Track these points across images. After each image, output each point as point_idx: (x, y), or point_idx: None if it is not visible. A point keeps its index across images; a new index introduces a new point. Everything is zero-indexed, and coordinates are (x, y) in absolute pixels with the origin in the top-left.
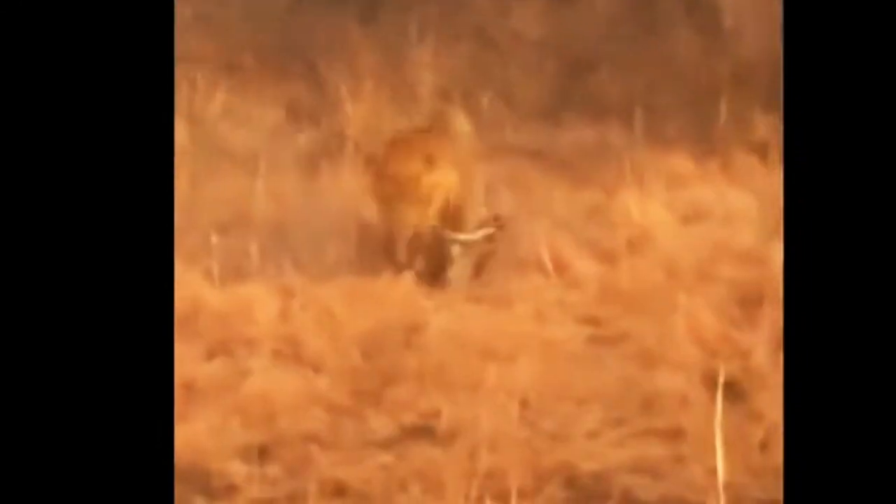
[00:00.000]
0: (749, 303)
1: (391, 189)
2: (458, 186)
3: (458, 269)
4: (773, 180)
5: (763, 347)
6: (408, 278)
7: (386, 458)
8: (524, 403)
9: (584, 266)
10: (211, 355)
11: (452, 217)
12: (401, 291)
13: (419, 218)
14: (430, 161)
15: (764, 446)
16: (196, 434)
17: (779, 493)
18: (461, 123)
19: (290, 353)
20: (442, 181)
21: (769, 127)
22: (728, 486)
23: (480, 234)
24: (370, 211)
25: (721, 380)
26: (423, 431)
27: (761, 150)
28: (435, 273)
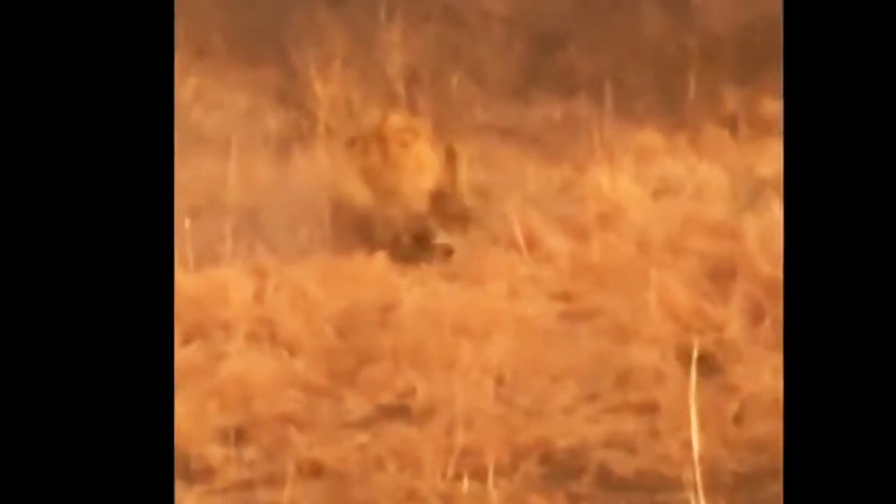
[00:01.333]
0: (721, 276)
1: (379, 162)
2: (444, 162)
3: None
4: (742, 153)
5: (736, 320)
6: (381, 257)
7: (363, 437)
8: (499, 380)
9: (556, 242)
10: (187, 339)
11: (440, 197)
12: (374, 271)
13: (412, 191)
14: (416, 134)
15: (738, 419)
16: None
17: (754, 465)
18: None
19: (266, 334)
20: (430, 154)
21: (738, 100)
22: (703, 459)
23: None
24: (346, 190)
25: (695, 353)
26: (399, 410)
27: (731, 124)
28: (410, 256)
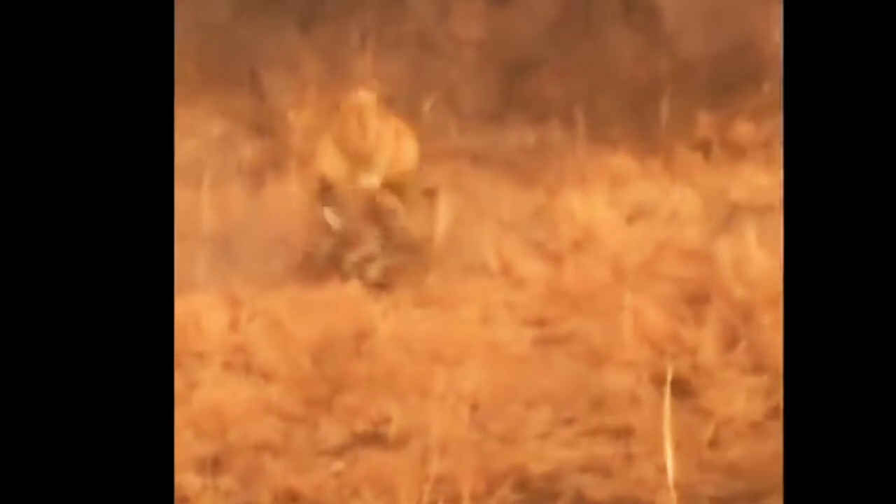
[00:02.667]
0: (695, 300)
1: (355, 139)
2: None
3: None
4: (716, 177)
5: (710, 344)
6: (355, 285)
7: (338, 465)
8: (474, 407)
9: (530, 267)
10: None
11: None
12: (348, 298)
13: (366, 168)
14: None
15: (713, 443)
16: None
17: (729, 490)
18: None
19: (240, 363)
20: (389, 133)
21: (711, 124)
22: (678, 484)
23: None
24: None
25: (669, 377)
26: (374, 438)
27: (704, 148)
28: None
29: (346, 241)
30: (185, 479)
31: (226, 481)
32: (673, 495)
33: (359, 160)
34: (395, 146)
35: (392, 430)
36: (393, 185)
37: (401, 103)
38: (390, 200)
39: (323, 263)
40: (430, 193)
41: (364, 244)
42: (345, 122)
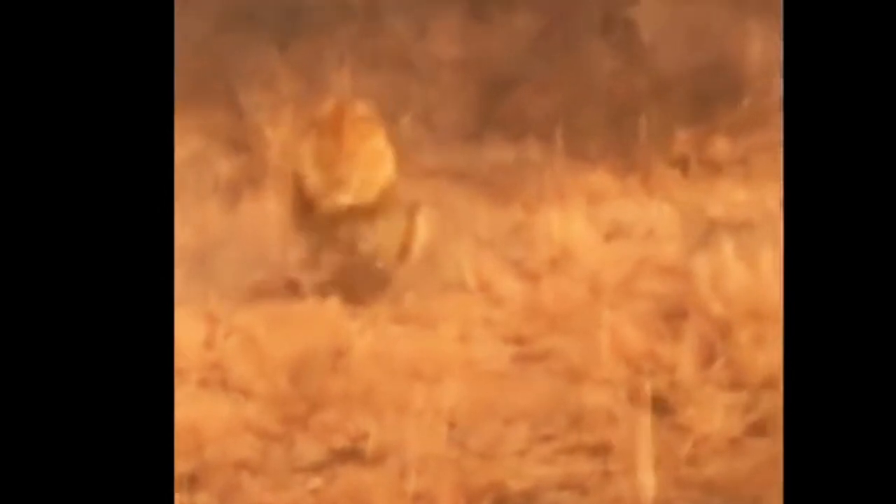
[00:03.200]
0: (673, 317)
1: (334, 150)
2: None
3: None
4: (694, 194)
5: (688, 361)
6: (332, 302)
7: (316, 481)
8: (452, 424)
9: (508, 284)
10: None
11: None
12: (325, 315)
13: (361, 183)
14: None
15: (691, 460)
16: None
17: None
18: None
19: (217, 380)
20: (366, 149)
21: (689, 141)
22: (656, 501)
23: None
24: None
25: (647, 395)
26: (351, 454)
27: (682, 164)
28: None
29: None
30: None
31: (203, 499)
32: None
33: (334, 176)
34: (372, 163)
35: (370, 447)
36: (369, 204)
37: (379, 121)
38: (362, 225)
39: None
40: (409, 211)
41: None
42: (322, 135)
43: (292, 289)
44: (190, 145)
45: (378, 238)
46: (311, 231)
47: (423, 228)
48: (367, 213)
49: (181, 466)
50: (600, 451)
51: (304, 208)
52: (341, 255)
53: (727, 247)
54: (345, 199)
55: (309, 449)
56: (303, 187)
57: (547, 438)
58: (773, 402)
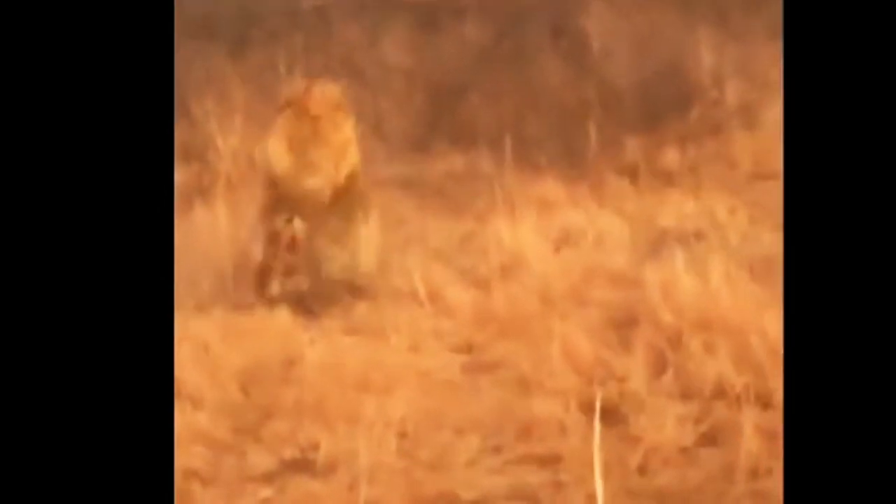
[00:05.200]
0: (623, 326)
1: (307, 132)
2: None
3: None
4: (644, 203)
5: (638, 370)
6: (283, 312)
7: (267, 492)
8: (402, 434)
9: (458, 294)
10: None
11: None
12: (276, 325)
13: (335, 169)
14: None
15: (642, 469)
16: None
17: None
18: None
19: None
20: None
21: (639, 151)
22: None
23: None
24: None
25: (598, 404)
26: (302, 464)
27: (631, 173)
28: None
29: (271, 269)
30: None
31: None
32: None
33: (306, 160)
34: (342, 149)
35: (320, 458)
36: (336, 194)
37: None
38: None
39: (248, 292)
40: (365, 209)
41: (291, 275)
42: (296, 118)
43: (245, 298)
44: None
45: (343, 256)
46: (272, 237)
47: (373, 240)
48: (329, 206)
49: None
50: (551, 461)
51: (272, 206)
52: (305, 276)
53: (677, 256)
54: (314, 182)
55: (260, 459)
56: (273, 178)
57: (497, 449)
58: (724, 412)
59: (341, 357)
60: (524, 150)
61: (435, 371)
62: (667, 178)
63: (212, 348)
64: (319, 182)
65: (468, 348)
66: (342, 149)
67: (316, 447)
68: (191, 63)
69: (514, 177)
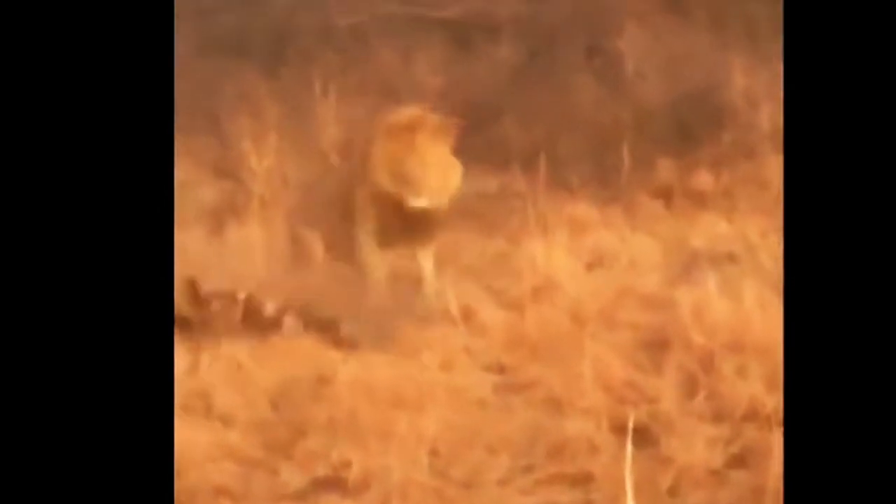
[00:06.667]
0: (655, 347)
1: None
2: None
3: None
4: (676, 225)
5: (670, 392)
6: (316, 330)
7: None
8: (434, 452)
9: (491, 314)
10: None
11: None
12: (309, 343)
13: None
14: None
15: (672, 491)
16: None
17: None
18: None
19: (200, 407)
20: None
21: (672, 173)
22: None
23: None
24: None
25: (630, 425)
26: (334, 482)
27: (664, 195)
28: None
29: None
30: None
31: None
32: None
33: (406, 181)
34: (444, 170)
35: (352, 475)
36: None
37: (363, 150)
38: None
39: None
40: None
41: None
42: (394, 140)
43: (277, 317)
44: (176, 173)
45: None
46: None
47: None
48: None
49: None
50: (581, 480)
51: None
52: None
53: (710, 279)
54: (420, 202)
55: (292, 476)
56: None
57: (528, 468)
58: (755, 435)
59: (373, 375)
60: (557, 171)
61: (467, 390)
62: (700, 201)
63: (244, 366)
64: (424, 202)
65: (500, 368)
66: (445, 169)
67: (348, 465)
68: (224, 81)
69: (547, 197)
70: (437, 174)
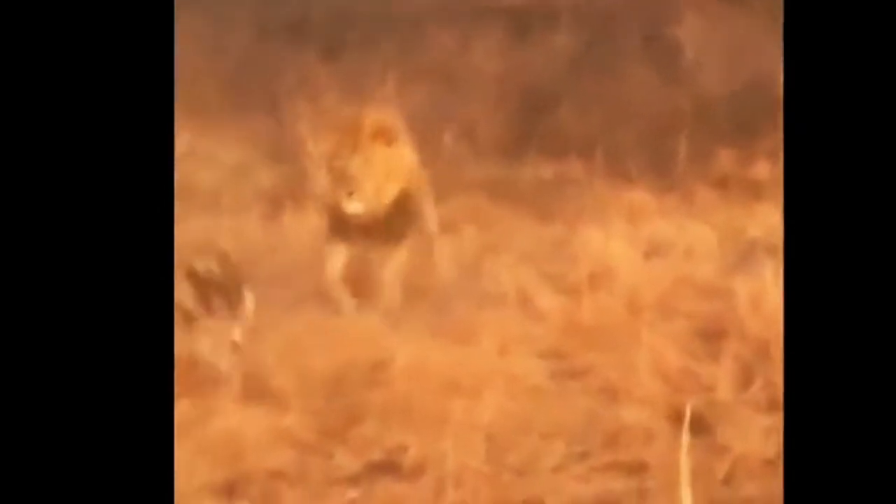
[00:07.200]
0: (711, 337)
1: (344, 151)
2: (417, 174)
3: None
4: (734, 214)
5: (726, 381)
6: (372, 314)
7: (353, 493)
8: (489, 438)
9: (547, 300)
10: (177, 395)
11: (406, 210)
12: (365, 327)
13: (374, 192)
14: (389, 138)
15: (728, 480)
16: None
17: None
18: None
19: (256, 390)
20: (401, 161)
21: (730, 162)
22: None
23: None
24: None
25: (687, 414)
26: (389, 467)
27: (721, 185)
28: None
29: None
30: None
31: None
32: None
33: (345, 183)
34: (382, 176)
35: (407, 460)
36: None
37: (420, 135)
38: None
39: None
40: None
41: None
42: (340, 142)
43: (333, 301)
44: (232, 156)
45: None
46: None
47: (463, 245)
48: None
49: (219, 476)
50: (636, 469)
51: (338, 219)
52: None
53: (766, 268)
54: (355, 207)
55: (347, 461)
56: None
57: (584, 455)
58: None
59: (429, 359)
60: (614, 159)
61: (523, 376)
62: (756, 190)
63: (300, 350)
64: (360, 208)
65: (556, 354)
66: (387, 173)
67: (403, 450)
68: (283, 66)
69: (605, 185)
70: (375, 179)
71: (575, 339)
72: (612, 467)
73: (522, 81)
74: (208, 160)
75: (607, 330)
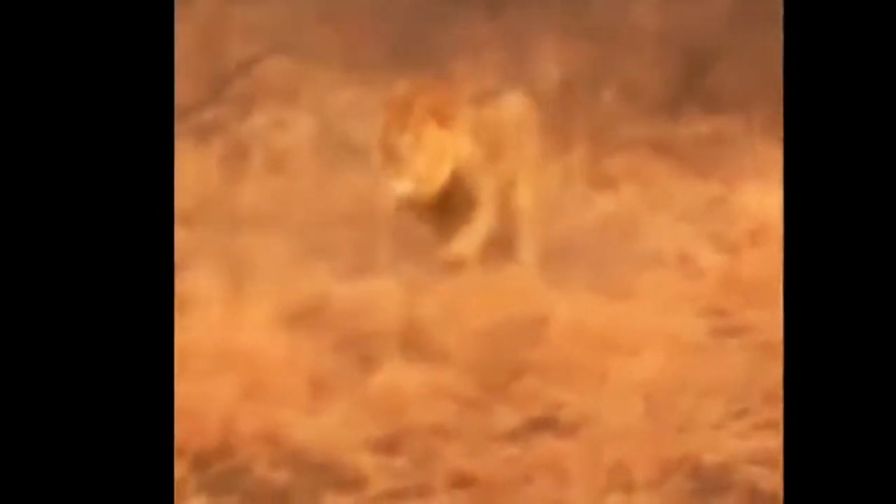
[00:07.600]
0: None
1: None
2: (469, 159)
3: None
4: None
5: None
6: (531, 270)
7: (512, 449)
8: (648, 396)
9: (706, 258)
10: (338, 349)
11: (455, 197)
12: (524, 284)
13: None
14: (442, 118)
15: None
16: (325, 427)
17: None
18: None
19: (417, 346)
20: (450, 146)
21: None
22: None
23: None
24: None
25: None
26: (548, 423)
27: None
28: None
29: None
30: (360, 458)
31: (400, 462)
32: None
33: (395, 163)
34: (435, 158)
35: (566, 417)
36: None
37: (582, 92)
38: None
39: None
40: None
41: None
42: (392, 121)
43: (491, 258)
44: None
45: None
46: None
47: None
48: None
49: (379, 430)
50: None
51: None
52: None
53: None
54: (402, 188)
55: (506, 416)
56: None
57: (742, 413)
58: None
59: (588, 317)
60: (773, 116)
61: (682, 334)
62: None
63: (460, 306)
64: (406, 189)
65: (716, 312)
66: (439, 153)
67: (562, 406)
68: (447, 22)
69: (763, 142)
70: (428, 159)
71: (734, 296)
72: (772, 424)
73: (682, 38)
74: (369, 117)
75: (767, 286)
